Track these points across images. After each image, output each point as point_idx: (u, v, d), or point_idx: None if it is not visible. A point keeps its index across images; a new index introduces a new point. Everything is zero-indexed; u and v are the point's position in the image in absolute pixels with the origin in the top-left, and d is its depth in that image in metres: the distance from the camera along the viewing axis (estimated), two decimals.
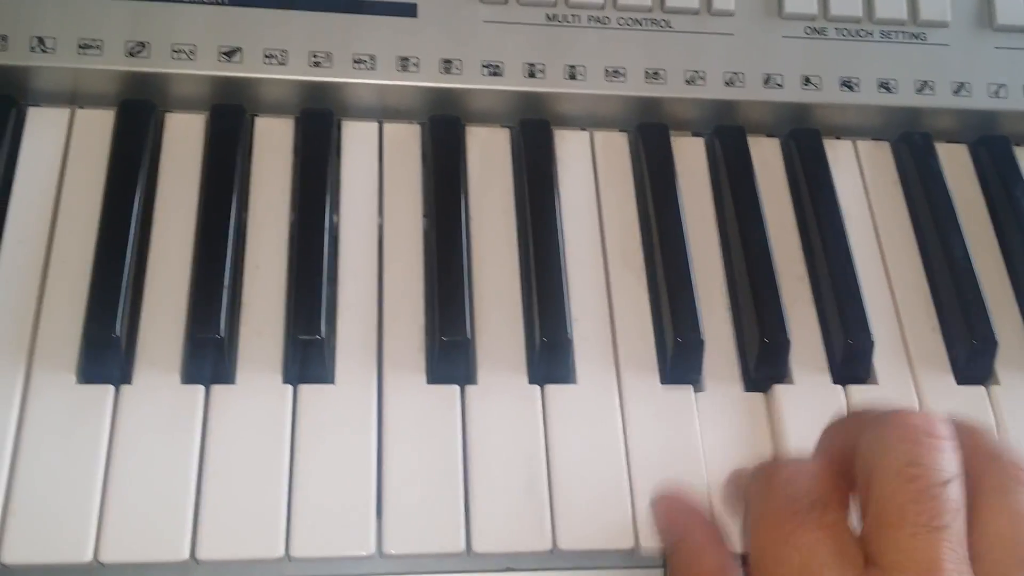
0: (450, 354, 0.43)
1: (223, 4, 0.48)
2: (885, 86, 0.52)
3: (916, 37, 0.53)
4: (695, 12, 0.51)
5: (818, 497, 0.32)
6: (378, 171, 0.48)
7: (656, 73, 0.50)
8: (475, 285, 0.45)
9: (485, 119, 0.51)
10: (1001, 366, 0.47)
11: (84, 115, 0.47)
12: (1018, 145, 0.54)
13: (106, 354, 0.41)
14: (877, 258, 0.50)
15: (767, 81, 0.51)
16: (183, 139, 0.48)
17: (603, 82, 0.50)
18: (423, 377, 0.43)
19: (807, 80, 0.52)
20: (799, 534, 0.31)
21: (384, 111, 0.50)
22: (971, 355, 0.47)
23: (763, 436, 0.44)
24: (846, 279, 0.47)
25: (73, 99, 0.47)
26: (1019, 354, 0.48)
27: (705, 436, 0.43)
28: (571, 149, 0.51)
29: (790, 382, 0.45)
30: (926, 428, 0.32)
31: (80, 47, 0.46)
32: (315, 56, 0.48)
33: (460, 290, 0.44)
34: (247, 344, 0.43)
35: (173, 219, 0.45)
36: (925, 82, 0.52)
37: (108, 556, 0.37)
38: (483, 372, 0.43)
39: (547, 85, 0.49)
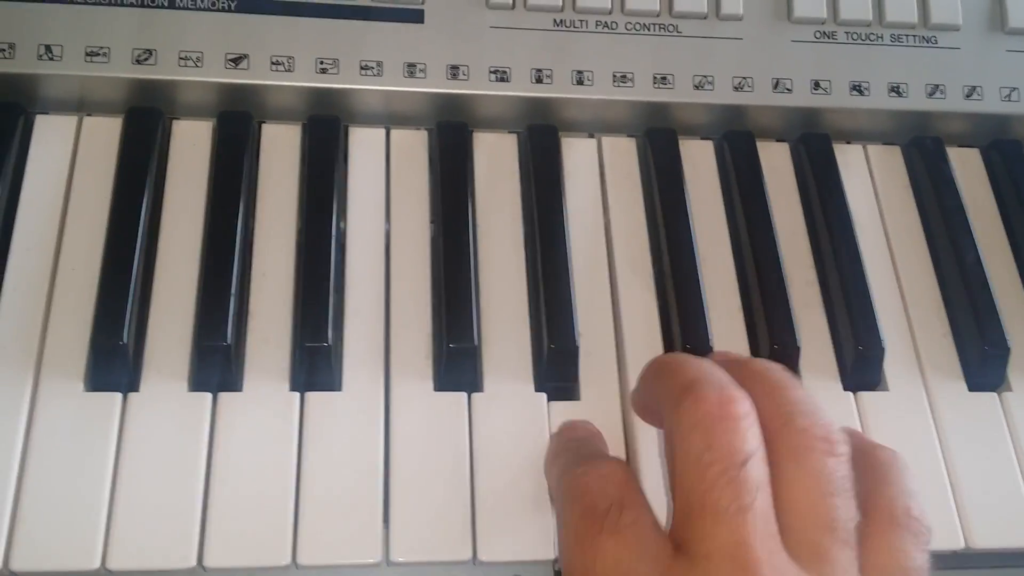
0: (457, 361, 0.43)
1: (230, 11, 0.48)
2: (896, 90, 0.52)
3: (927, 40, 0.53)
4: (703, 16, 0.51)
5: (614, 500, 0.33)
6: (385, 177, 0.48)
7: (664, 78, 0.50)
8: (482, 291, 0.45)
9: (492, 125, 0.50)
10: (1014, 372, 0.47)
11: (91, 122, 0.48)
12: None
13: (114, 362, 0.41)
14: (888, 263, 0.50)
15: (776, 85, 0.51)
16: (190, 146, 0.48)
17: (611, 87, 0.50)
18: (430, 384, 0.43)
19: (817, 84, 0.51)
20: (599, 541, 0.32)
21: (391, 117, 0.50)
22: (983, 361, 0.46)
23: None
24: (857, 284, 0.47)
25: (81, 106, 0.48)
26: None
27: None
28: (579, 154, 0.50)
29: None
30: (718, 412, 0.32)
31: (87, 55, 0.46)
32: (322, 63, 0.48)
33: (467, 297, 0.44)
34: (254, 351, 0.43)
35: (180, 226, 0.45)
36: (936, 86, 0.52)
37: (116, 563, 0.38)
38: (490, 379, 0.43)
39: (554, 90, 0.49)
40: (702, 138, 0.52)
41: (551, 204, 0.48)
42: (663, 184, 0.49)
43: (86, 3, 0.47)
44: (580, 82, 0.49)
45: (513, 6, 0.50)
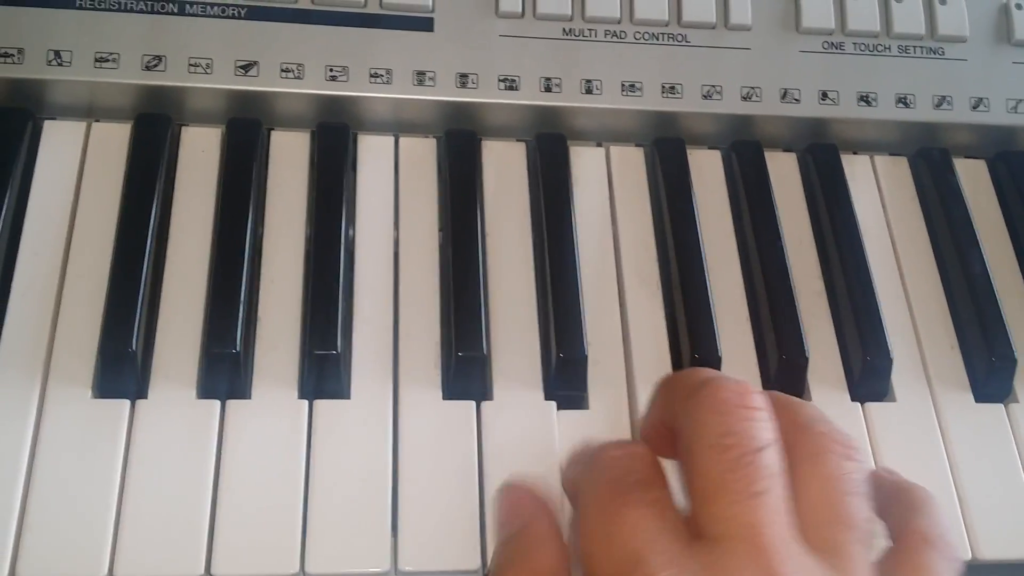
0: (466, 370, 0.43)
1: (240, 18, 0.48)
2: (903, 101, 0.52)
3: (934, 52, 0.53)
4: (712, 26, 0.51)
5: (641, 476, 0.33)
6: (394, 185, 0.48)
7: (673, 87, 0.50)
8: (491, 300, 0.45)
9: (501, 133, 0.50)
10: (1020, 384, 0.47)
11: (100, 128, 0.47)
12: None
13: (122, 368, 0.41)
14: (895, 274, 0.50)
15: (784, 96, 0.51)
16: (199, 152, 0.48)
17: (619, 96, 0.50)
18: (439, 392, 0.43)
19: (824, 95, 0.51)
20: (623, 512, 0.32)
21: (400, 125, 0.50)
22: (990, 373, 0.46)
23: None
24: (864, 295, 0.47)
25: (89, 112, 0.48)
26: None
27: None
28: (587, 163, 0.50)
29: (808, 399, 0.45)
30: (737, 400, 0.32)
31: (96, 60, 0.46)
32: (331, 70, 0.48)
33: (476, 305, 0.44)
34: (263, 359, 0.42)
35: (189, 233, 0.45)
36: (943, 97, 0.52)
37: (123, 572, 0.37)
38: (498, 388, 0.43)
39: (563, 99, 0.49)
40: (710, 148, 0.52)
41: (559, 213, 0.48)
42: (671, 193, 0.49)
43: (96, 9, 0.47)
44: (589, 91, 0.49)
45: (522, 15, 0.50)
